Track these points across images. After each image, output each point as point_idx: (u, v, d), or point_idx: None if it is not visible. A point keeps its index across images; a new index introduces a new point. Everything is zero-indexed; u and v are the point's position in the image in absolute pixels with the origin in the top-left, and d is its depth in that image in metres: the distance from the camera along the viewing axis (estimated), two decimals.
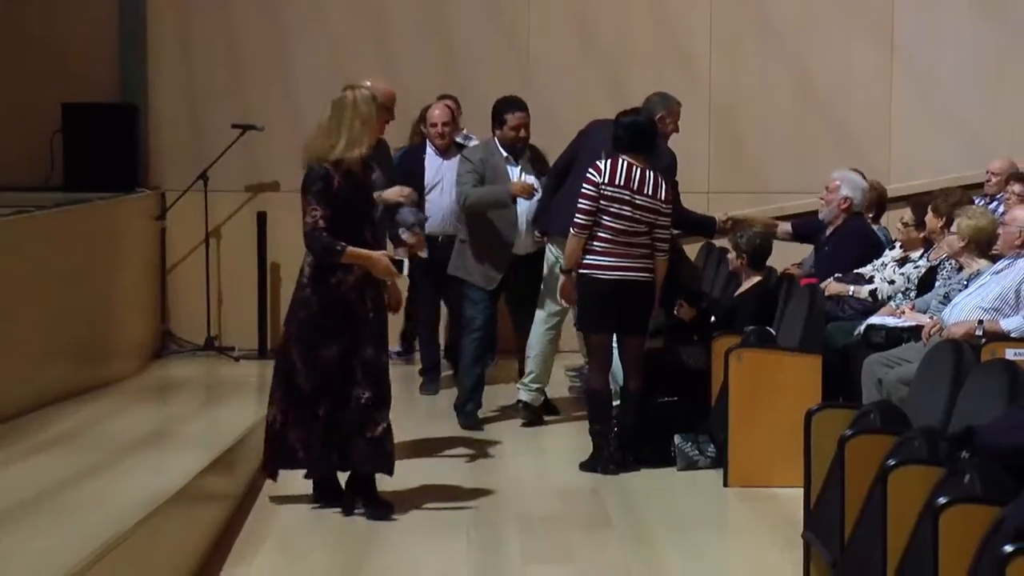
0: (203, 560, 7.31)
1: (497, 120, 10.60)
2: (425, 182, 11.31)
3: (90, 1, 13.78)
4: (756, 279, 10.07)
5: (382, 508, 8.04)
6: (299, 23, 13.70)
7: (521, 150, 10.59)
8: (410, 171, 11.12)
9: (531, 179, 10.47)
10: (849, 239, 10.80)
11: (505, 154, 10.51)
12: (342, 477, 8.24)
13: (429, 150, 11.57)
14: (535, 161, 10.65)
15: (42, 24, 13.68)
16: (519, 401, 10.70)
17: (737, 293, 10.22)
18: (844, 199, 10.85)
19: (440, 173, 11.41)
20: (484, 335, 10.62)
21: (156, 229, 13.40)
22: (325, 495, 8.25)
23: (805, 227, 11.38)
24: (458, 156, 11.02)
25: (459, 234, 10.73)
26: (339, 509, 8.11)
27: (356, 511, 8.03)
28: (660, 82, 12.46)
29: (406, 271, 8.33)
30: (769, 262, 11.39)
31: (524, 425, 10.50)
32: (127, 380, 11.63)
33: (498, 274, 10.46)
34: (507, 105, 10.61)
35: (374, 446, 8.00)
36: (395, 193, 9.61)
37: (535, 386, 10.63)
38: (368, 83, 8.55)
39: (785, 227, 11.49)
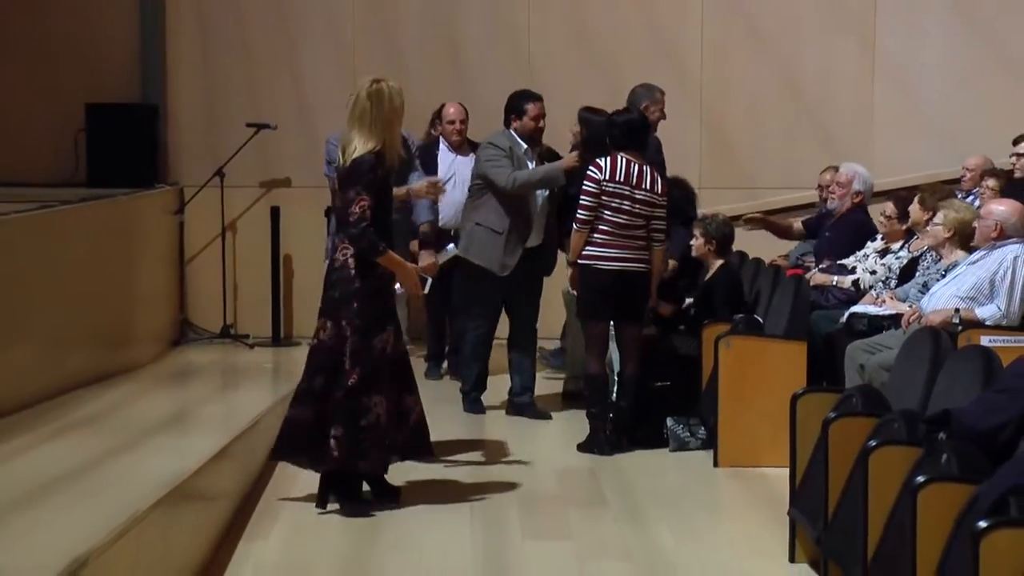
0: (220, 536, 7.33)
1: (516, 111, 10.36)
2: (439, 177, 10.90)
3: (112, 7, 13.79)
4: (719, 263, 10.06)
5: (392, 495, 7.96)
6: (310, 28, 13.69)
7: (537, 141, 10.43)
8: (424, 168, 10.54)
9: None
10: (851, 227, 10.93)
11: (524, 145, 10.30)
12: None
13: (443, 146, 11.50)
14: (549, 157, 10.46)
15: (67, 29, 13.70)
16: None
17: (707, 278, 10.20)
18: (857, 193, 11.11)
19: (453, 168, 11.29)
20: (479, 328, 10.40)
21: (175, 223, 13.39)
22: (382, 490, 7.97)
23: (813, 223, 11.60)
24: (470, 153, 10.94)
25: (473, 218, 10.34)
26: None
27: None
28: (649, 81, 12.49)
29: (427, 289, 8.14)
30: (758, 254, 11.45)
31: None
32: (147, 366, 11.63)
33: (513, 262, 10.20)
34: (526, 96, 10.43)
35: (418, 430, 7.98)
36: (423, 186, 9.24)
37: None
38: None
39: (799, 226, 11.75)
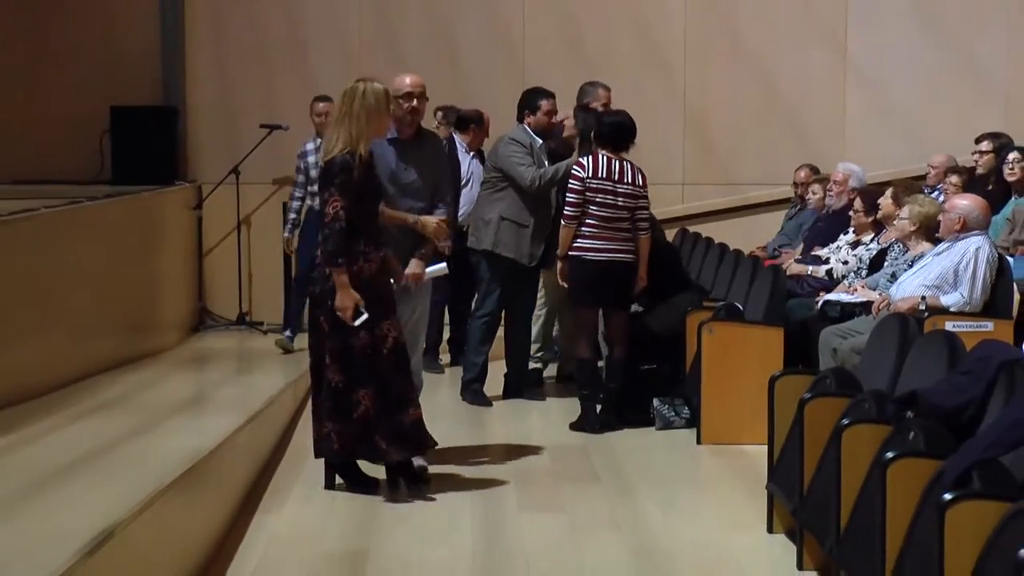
0: (237, 509, 7.33)
1: (530, 107, 10.28)
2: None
3: (135, 16, 13.79)
4: None
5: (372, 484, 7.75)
6: (320, 35, 13.71)
7: (548, 135, 10.35)
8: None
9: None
10: (842, 220, 10.93)
11: (539, 140, 10.22)
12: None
13: (460, 148, 11.50)
14: (566, 149, 10.33)
15: (92, 36, 13.75)
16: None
17: None
18: (852, 190, 11.14)
19: (471, 169, 11.41)
20: (492, 319, 10.30)
21: (193, 218, 13.39)
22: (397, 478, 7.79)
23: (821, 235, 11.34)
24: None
25: (498, 211, 10.11)
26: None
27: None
28: (641, 88, 12.57)
29: (357, 323, 7.27)
30: (737, 246, 11.46)
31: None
32: (168, 351, 11.63)
33: (539, 252, 10.09)
34: (539, 93, 10.36)
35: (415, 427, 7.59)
36: (434, 224, 8.03)
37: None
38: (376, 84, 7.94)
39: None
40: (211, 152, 13.67)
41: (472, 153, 11.54)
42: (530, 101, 10.34)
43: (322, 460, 7.68)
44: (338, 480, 7.72)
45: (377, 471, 7.77)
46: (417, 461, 7.83)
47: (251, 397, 8.78)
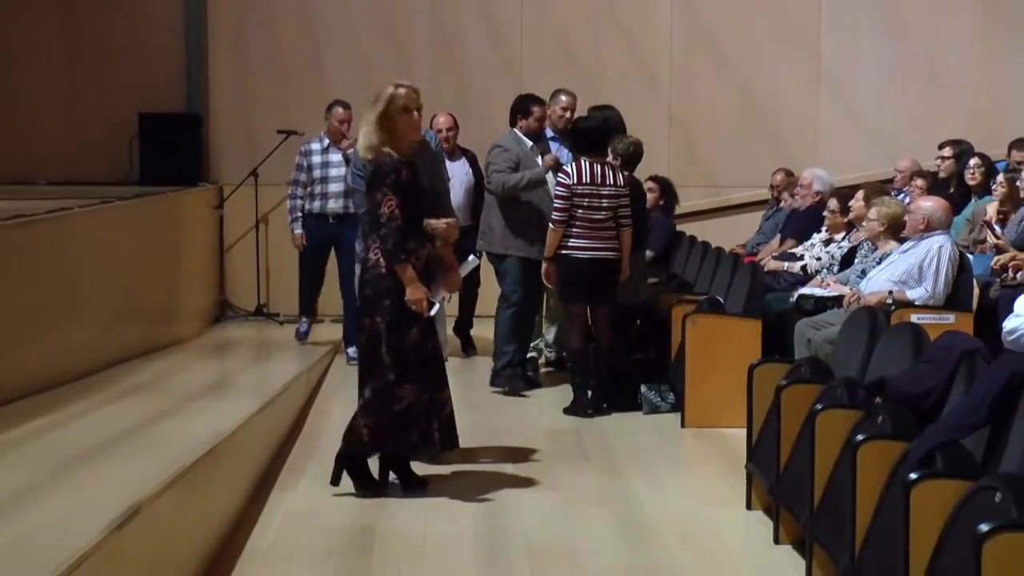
0: (255, 487, 7.35)
1: (522, 112, 10.17)
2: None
3: (161, 30, 13.87)
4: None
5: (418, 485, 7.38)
6: (333, 46, 13.76)
7: (540, 137, 10.24)
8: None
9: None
10: (813, 219, 10.89)
11: (530, 143, 10.12)
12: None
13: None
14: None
15: (122, 49, 13.84)
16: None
17: None
18: (817, 193, 11.16)
19: (449, 174, 9.65)
20: (518, 309, 10.06)
21: (215, 216, 13.41)
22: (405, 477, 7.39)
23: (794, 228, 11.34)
24: (462, 158, 10.74)
25: (509, 215, 9.96)
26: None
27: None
28: (630, 96, 12.56)
29: (434, 312, 7.10)
30: (719, 243, 11.46)
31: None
32: (191, 340, 11.64)
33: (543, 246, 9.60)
34: (531, 99, 10.25)
35: (449, 423, 7.32)
36: (444, 226, 7.58)
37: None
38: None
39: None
40: (231, 156, 13.70)
41: (450, 160, 10.66)
42: (522, 106, 10.25)
43: (334, 441, 7.51)
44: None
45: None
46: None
47: (268, 383, 8.79)
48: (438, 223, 7.40)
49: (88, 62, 13.85)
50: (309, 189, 11.25)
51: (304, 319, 11.71)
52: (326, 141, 11.27)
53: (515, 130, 10.21)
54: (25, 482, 5.61)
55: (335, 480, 7.27)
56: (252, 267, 13.01)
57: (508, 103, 10.48)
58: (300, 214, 11.38)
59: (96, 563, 4.36)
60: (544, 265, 9.44)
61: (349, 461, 7.25)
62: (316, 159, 11.26)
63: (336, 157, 11.17)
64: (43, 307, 8.41)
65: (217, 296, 13.30)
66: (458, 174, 10.72)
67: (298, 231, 11.38)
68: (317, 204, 11.22)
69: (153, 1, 13.95)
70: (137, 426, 7.14)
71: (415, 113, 7.13)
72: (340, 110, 11.29)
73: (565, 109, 10.33)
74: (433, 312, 7.07)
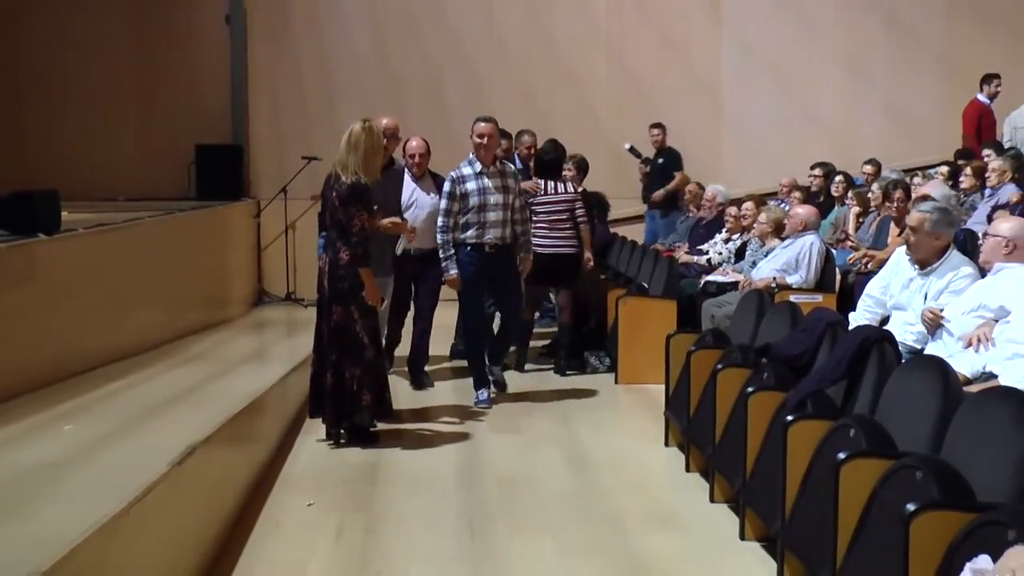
0: (287, 430, 7.36)
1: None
2: (403, 202, 8.54)
3: (213, 78, 13.88)
4: None
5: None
6: (345, 91, 13.75)
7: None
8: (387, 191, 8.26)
9: None
10: (714, 226, 10.93)
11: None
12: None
13: (406, 174, 8.66)
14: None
15: (182, 95, 13.86)
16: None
17: None
18: (719, 204, 11.13)
19: (415, 196, 8.62)
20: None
21: (254, 223, 13.34)
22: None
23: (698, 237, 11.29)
24: (430, 182, 8.70)
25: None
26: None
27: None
28: (575, 129, 12.59)
29: (383, 306, 7.07)
30: (644, 242, 11.45)
31: None
32: (236, 319, 11.57)
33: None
34: (501, 134, 8.82)
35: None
36: (390, 222, 7.37)
37: None
38: (385, 120, 7.59)
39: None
40: (266, 177, 13.64)
41: (416, 183, 8.72)
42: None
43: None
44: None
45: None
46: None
47: (296, 352, 8.73)
48: (386, 221, 7.32)
49: (156, 105, 13.83)
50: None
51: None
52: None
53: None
54: (110, 428, 5.60)
55: (336, 440, 7.08)
56: (283, 263, 12.95)
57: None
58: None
59: (163, 490, 4.37)
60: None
61: (356, 430, 7.05)
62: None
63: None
64: (125, 295, 8.37)
65: (256, 285, 13.22)
66: (421, 197, 8.68)
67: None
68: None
69: (207, 57, 13.88)
70: (195, 385, 7.13)
71: (383, 144, 7.03)
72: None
73: (528, 147, 10.09)
74: (382, 308, 7.03)
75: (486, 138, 8.06)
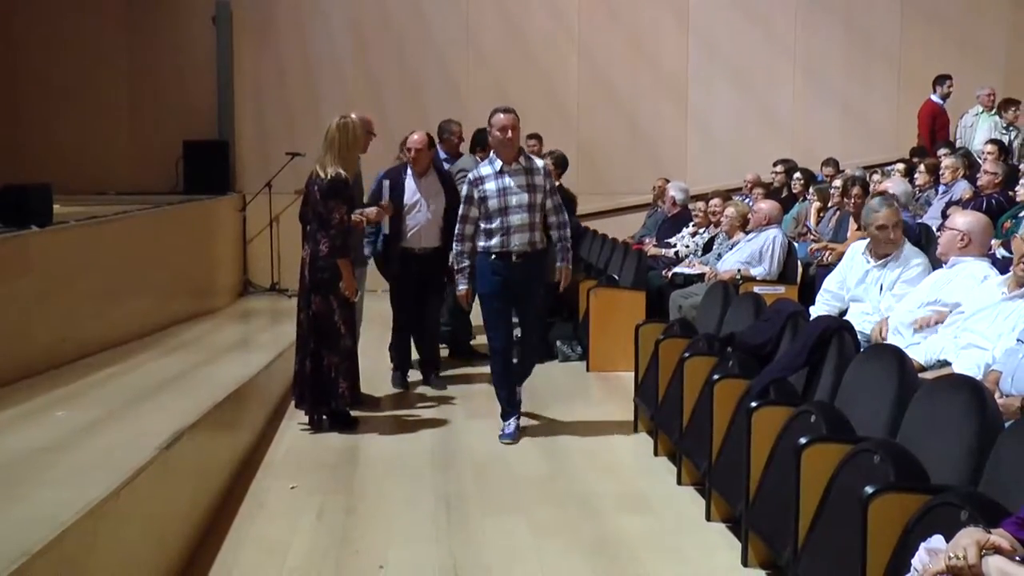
0: (270, 416, 7.32)
1: (481, 144, 9.08)
2: (405, 200, 7.95)
3: (199, 76, 13.78)
4: None
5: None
6: (326, 90, 13.69)
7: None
8: (392, 189, 7.95)
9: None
10: (679, 221, 10.92)
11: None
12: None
13: (409, 171, 8.00)
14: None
15: (170, 93, 13.78)
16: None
17: None
18: (674, 200, 11.14)
19: (418, 192, 7.97)
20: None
21: (240, 217, 13.26)
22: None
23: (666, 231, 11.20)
24: (434, 176, 8.00)
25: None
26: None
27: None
28: (549, 126, 12.53)
29: (357, 297, 6.90)
30: (614, 235, 11.47)
31: None
32: (223, 309, 11.51)
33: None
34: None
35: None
36: (374, 211, 7.40)
37: None
38: (353, 115, 7.08)
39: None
40: (252, 171, 13.58)
41: (421, 178, 8.01)
42: (481, 139, 9.26)
43: None
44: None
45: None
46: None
47: (279, 340, 8.69)
48: (367, 210, 7.30)
49: (145, 102, 13.77)
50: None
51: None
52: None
53: (475, 156, 9.28)
54: (101, 413, 5.56)
55: (316, 428, 7.02)
56: (267, 254, 12.89)
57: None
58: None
59: (151, 474, 4.34)
60: None
61: (336, 415, 7.01)
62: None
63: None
64: (116, 286, 8.30)
65: (242, 276, 13.16)
66: (425, 192, 7.98)
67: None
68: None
69: (194, 56, 13.79)
70: (183, 373, 7.08)
71: (359, 137, 6.93)
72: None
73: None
74: (356, 299, 6.91)
75: (508, 131, 6.65)
